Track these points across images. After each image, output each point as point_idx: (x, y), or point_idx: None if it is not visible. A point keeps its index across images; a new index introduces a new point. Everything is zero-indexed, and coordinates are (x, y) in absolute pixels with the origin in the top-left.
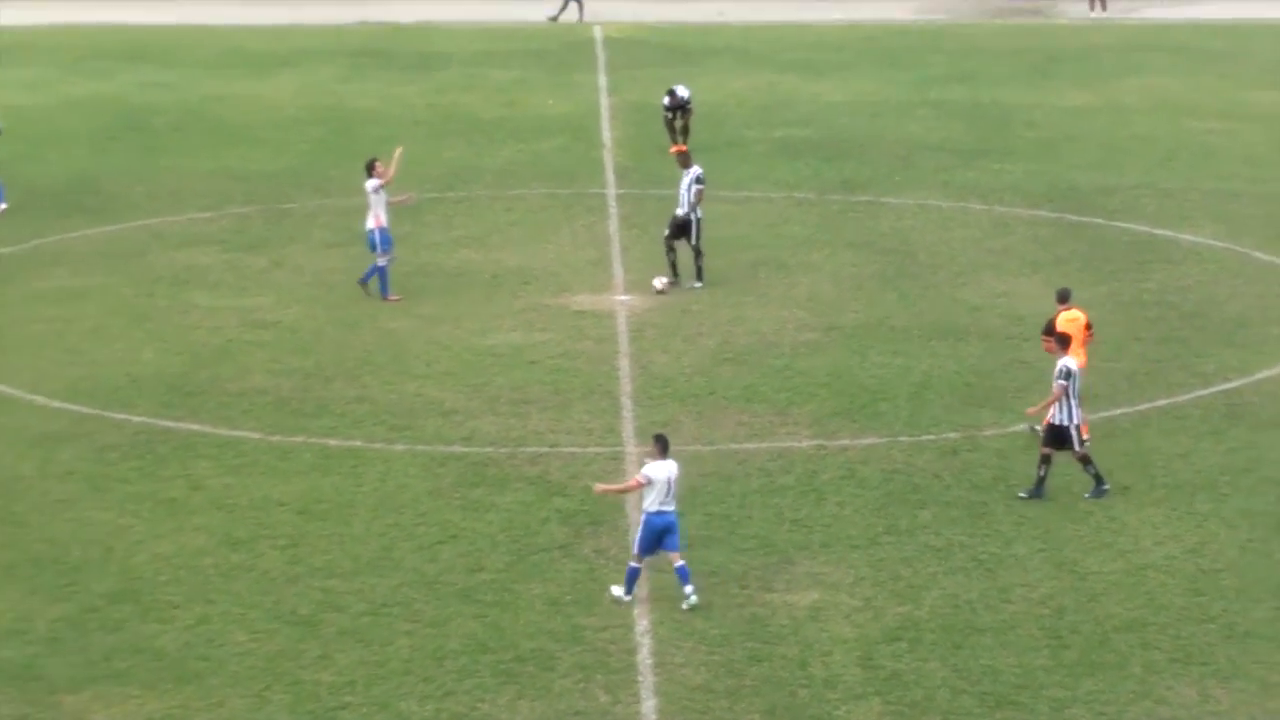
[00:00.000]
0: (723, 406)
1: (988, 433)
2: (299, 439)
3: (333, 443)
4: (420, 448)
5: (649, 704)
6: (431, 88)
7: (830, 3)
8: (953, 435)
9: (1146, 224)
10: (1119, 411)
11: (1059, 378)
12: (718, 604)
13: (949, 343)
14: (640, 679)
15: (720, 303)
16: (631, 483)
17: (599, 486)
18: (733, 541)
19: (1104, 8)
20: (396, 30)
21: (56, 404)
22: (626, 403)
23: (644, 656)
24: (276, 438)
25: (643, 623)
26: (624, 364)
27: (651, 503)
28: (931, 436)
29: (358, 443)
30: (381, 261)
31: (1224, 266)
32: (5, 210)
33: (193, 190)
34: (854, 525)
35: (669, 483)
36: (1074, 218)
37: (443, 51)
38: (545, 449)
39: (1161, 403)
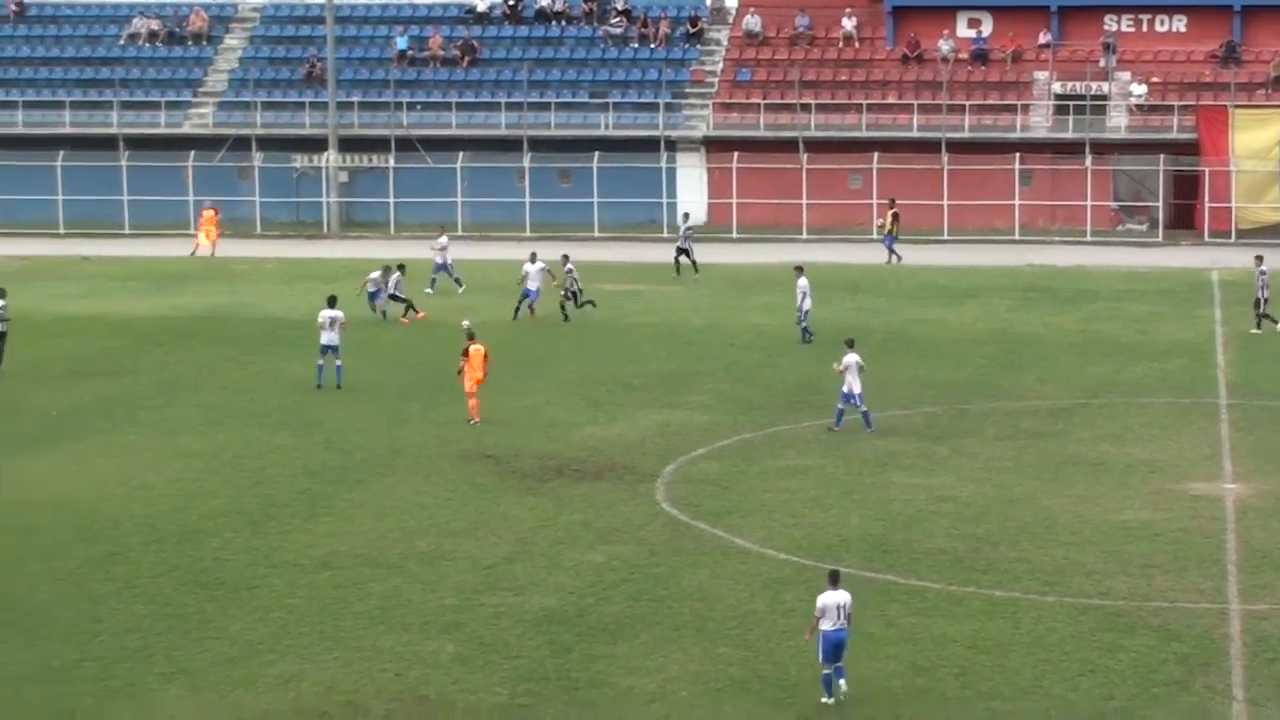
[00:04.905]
0: None
1: None
2: (970, 590)
3: (997, 594)
4: (1066, 599)
5: None
6: (1082, 317)
7: None
8: None
9: None
10: None
11: None
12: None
13: None
14: None
15: None
16: (814, 620)
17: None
18: None
19: None
20: (1057, 272)
21: (782, 556)
22: (1231, 569)
23: None
24: (953, 588)
25: None
26: (1230, 539)
27: (828, 624)
28: None
29: (1017, 594)
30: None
31: None
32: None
33: (894, 392)
34: None
35: (839, 607)
36: None
37: (1092, 289)
38: (1166, 604)
39: None
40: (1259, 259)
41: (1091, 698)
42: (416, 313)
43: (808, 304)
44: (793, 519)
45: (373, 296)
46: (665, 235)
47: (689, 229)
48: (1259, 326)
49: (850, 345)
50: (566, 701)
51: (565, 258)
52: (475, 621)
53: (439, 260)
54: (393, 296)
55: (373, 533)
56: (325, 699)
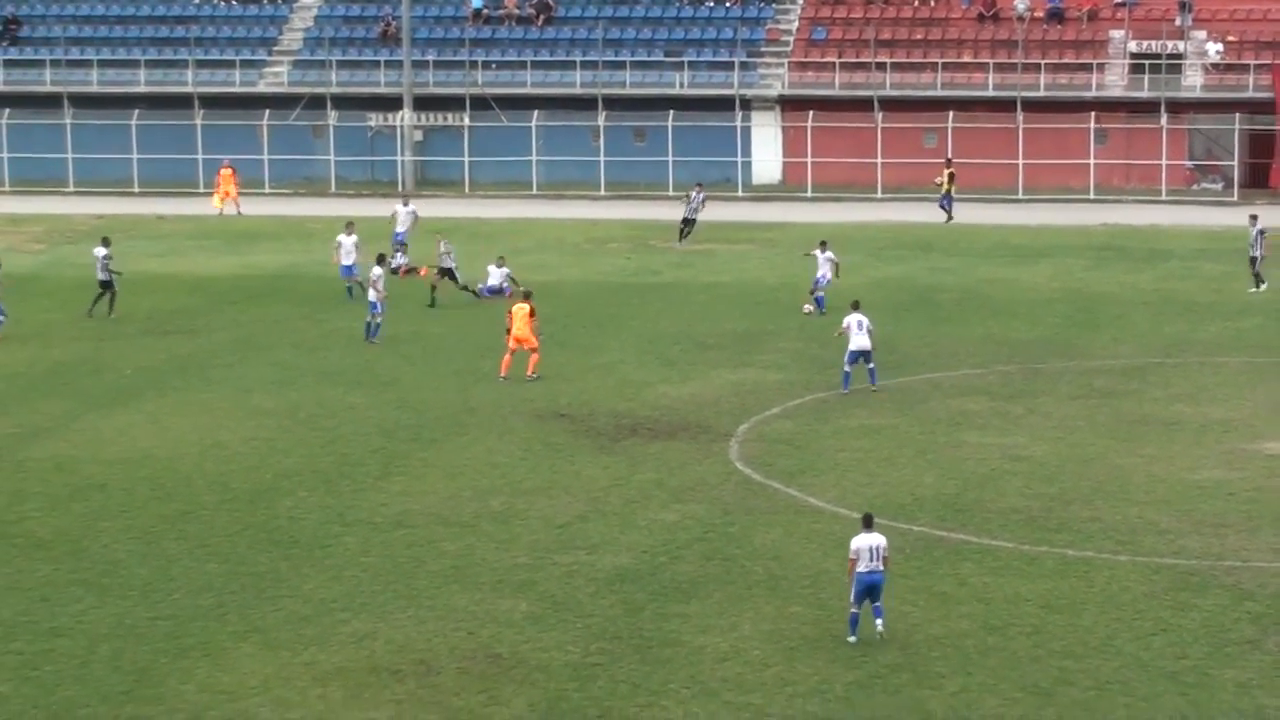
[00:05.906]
0: None
1: None
2: (1043, 549)
3: (1070, 553)
4: (1139, 559)
5: None
6: (1157, 276)
7: None
8: None
9: None
10: None
11: None
12: None
13: None
14: None
15: None
16: (849, 563)
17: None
18: None
19: None
20: (1131, 231)
21: (856, 515)
22: None
23: None
24: (1026, 547)
25: None
26: None
27: (863, 566)
28: None
29: (1090, 553)
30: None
31: None
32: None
33: (966, 351)
34: None
35: (872, 550)
36: None
37: (1167, 248)
38: (1239, 563)
39: None
40: (1253, 218)
41: (1164, 656)
42: (419, 271)
43: (824, 275)
44: (866, 478)
45: (348, 270)
46: (740, 194)
47: (702, 198)
48: (1257, 286)
49: (856, 306)
50: (639, 660)
51: (438, 236)
52: (548, 580)
53: (399, 230)
54: (409, 270)
55: (446, 491)
56: (398, 657)
